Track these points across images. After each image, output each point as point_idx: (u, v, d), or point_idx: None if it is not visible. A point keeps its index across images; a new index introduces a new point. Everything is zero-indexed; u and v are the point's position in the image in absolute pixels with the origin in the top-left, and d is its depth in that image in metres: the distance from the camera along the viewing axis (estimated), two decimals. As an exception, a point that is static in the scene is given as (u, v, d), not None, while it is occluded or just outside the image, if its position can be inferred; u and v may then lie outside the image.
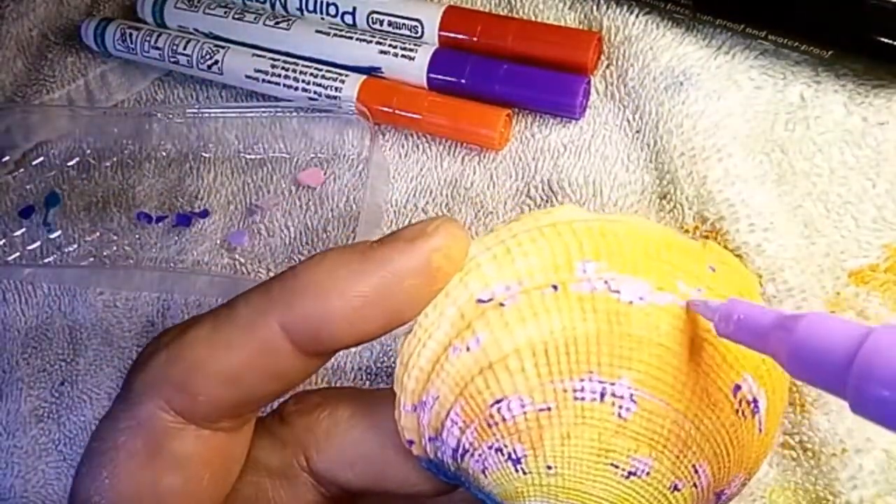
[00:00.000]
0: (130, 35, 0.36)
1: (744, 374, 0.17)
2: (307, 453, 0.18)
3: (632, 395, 0.16)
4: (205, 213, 0.34)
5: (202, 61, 0.34)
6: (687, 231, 0.28)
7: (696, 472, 0.17)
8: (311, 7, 0.34)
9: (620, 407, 0.16)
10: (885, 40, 0.25)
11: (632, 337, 0.16)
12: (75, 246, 0.35)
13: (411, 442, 0.18)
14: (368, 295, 0.15)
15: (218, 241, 0.34)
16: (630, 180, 0.29)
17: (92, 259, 0.35)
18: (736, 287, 0.18)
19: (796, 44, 0.27)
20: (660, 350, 0.17)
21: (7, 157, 0.37)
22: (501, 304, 0.17)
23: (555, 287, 0.17)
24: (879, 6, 0.25)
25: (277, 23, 0.34)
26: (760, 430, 0.18)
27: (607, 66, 0.30)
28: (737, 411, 0.17)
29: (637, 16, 0.30)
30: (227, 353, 0.15)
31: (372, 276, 0.15)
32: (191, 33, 0.36)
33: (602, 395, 0.16)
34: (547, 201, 0.30)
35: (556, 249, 0.17)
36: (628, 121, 0.30)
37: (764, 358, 0.17)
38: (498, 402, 0.17)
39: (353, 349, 0.31)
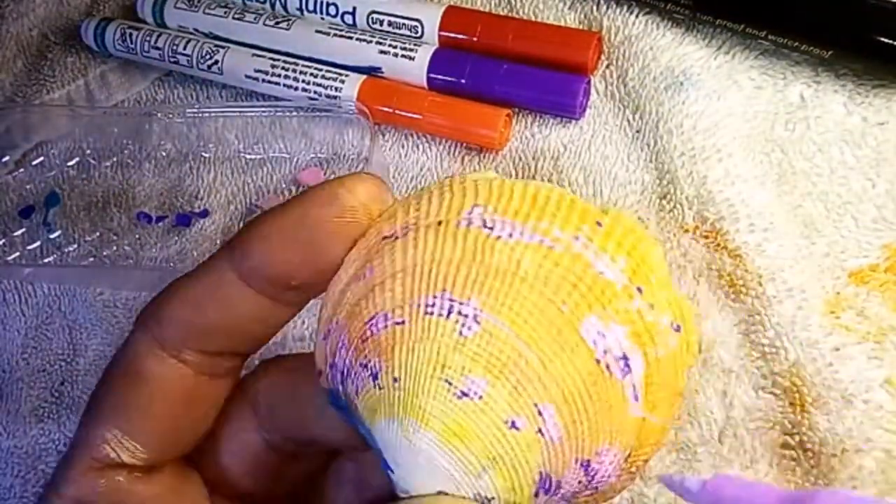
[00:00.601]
0: (130, 35, 0.36)
1: (613, 325, 0.17)
2: (255, 395, 0.20)
3: (475, 315, 0.17)
4: (205, 213, 0.34)
5: (202, 61, 0.34)
6: (687, 231, 0.28)
7: (541, 413, 0.17)
8: (311, 7, 0.34)
9: (463, 325, 0.17)
10: (885, 40, 0.25)
11: (490, 266, 0.17)
12: (75, 246, 0.35)
13: (320, 373, 0.19)
14: (281, 228, 0.18)
15: (218, 241, 0.34)
16: (630, 180, 0.29)
17: (92, 259, 0.35)
18: (621, 245, 0.18)
19: (796, 44, 0.27)
20: (514, 281, 0.17)
21: (7, 157, 0.37)
22: (396, 239, 0.18)
23: (440, 223, 0.18)
24: (879, 6, 0.25)
25: (277, 23, 0.34)
26: (636, 399, 0.18)
27: (607, 66, 0.30)
28: (598, 361, 0.17)
29: (637, 16, 0.30)
30: (189, 281, 0.18)
31: (287, 211, 0.18)
32: (191, 33, 0.36)
33: (449, 312, 0.17)
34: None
35: (456, 197, 0.18)
36: (628, 121, 0.30)
37: (641, 312, 0.17)
38: (371, 318, 0.18)
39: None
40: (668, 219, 0.28)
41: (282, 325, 0.19)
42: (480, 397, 0.17)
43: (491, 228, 0.17)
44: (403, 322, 0.17)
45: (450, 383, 0.17)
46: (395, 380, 0.17)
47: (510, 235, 0.17)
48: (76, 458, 0.18)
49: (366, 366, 0.18)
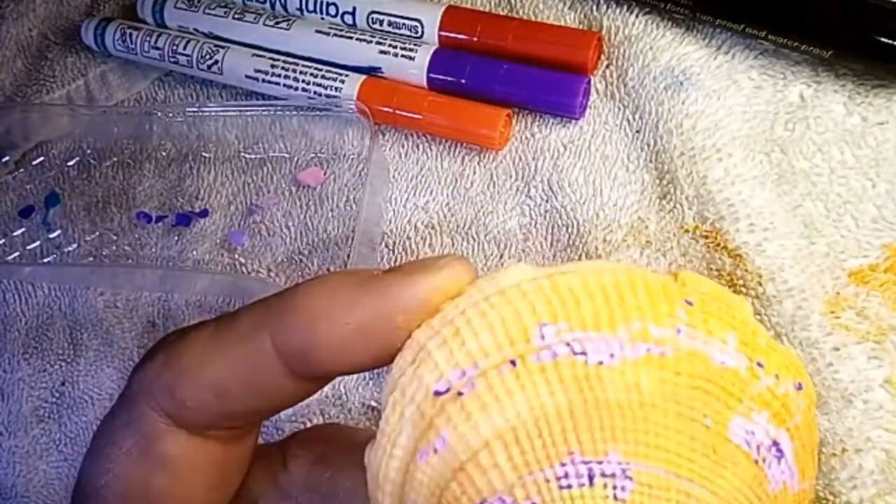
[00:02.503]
0: (130, 35, 0.36)
1: (755, 416, 0.15)
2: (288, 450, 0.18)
3: (624, 470, 0.14)
4: (205, 213, 0.34)
5: (202, 61, 0.34)
6: (687, 231, 0.28)
7: None
8: (310, 7, 0.34)
9: (615, 487, 0.14)
10: (885, 40, 0.25)
11: (610, 403, 0.14)
12: (75, 246, 0.35)
13: None
14: (357, 325, 0.15)
15: (218, 241, 0.34)
16: (630, 180, 0.29)
17: (92, 259, 0.35)
18: (721, 317, 0.15)
19: (796, 44, 0.27)
20: (645, 411, 0.14)
21: (7, 157, 0.37)
22: (460, 394, 0.15)
23: (513, 363, 0.15)
24: (879, 6, 0.25)
25: (277, 23, 0.34)
26: (793, 477, 0.16)
27: (607, 66, 0.30)
28: (756, 461, 0.15)
29: (637, 16, 0.30)
30: (217, 363, 0.15)
31: (364, 305, 0.15)
32: (191, 33, 0.36)
33: (591, 478, 0.14)
34: (546, 201, 0.30)
35: (508, 319, 0.15)
36: (628, 121, 0.30)
37: (772, 388, 0.15)
38: (482, 503, 0.14)
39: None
40: (668, 219, 0.28)
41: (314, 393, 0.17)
42: None
43: (583, 353, 0.14)
44: (534, 503, 0.14)
45: None
46: None
47: (611, 356, 0.14)
48: None
49: None
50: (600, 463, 0.14)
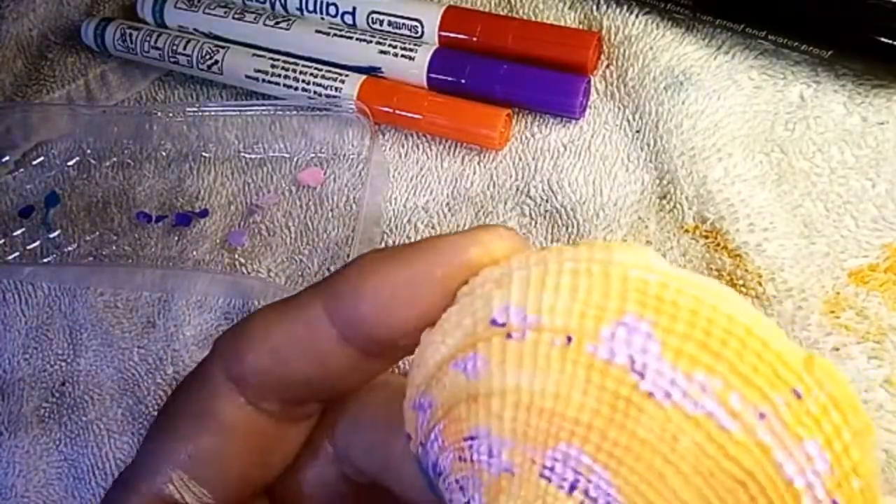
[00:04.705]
0: (130, 35, 0.36)
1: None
2: (335, 421, 0.19)
3: (607, 498, 0.13)
4: (205, 213, 0.34)
5: (202, 61, 0.34)
6: (687, 231, 0.28)
7: None
8: (310, 7, 0.34)
9: None
10: (885, 40, 0.25)
11: (634, 433, 0.13)
12: (75, 246, 0.35)
13: (409, 437, 0.16)
14: (401, 283, 0.15)
15: (218, 241, 0.34)
16: (630, 180, 0.29)
17: (92, 259, 0.35)
18: (820, 424, 0.12)
19: (796, 44, 0.27)
20: (665, 465, 0.12)
21: (7, 157, 0.37)
22: (509, 336, 0.14)
23: (569, 339, 0.13)
24: (879, 6, 0.25)
25: (277, 23, 0.34)
26: None
27: (607, 66, 0.31)
28: None
29: (637, 16, 0.30)
30: (278, 330, 0.16)
31: (406, 265, 0.15)
32: (191, 33, 0.36)
33: (572, 487, 0.13)
34: (546, 201, 0.30)
35: (593, 294, 0.13)
36: (628, 120, 0.30)
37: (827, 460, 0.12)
38: (472, 437, 0.14)
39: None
40: (668, 219, 0.28)
41: (374, 376, 0.17)
42: None
43: (641, 375, 0.13)
44: (512, 472, 0.14)
45: None
46: None
47: (667, 395, 0.12)
48: (138, 486, 0.17)
49: (463, 489, 0.15)
50: (589, 481, 0.13)
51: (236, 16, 0.35)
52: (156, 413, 0.32)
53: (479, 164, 0.32)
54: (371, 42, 0.32)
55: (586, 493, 0.13)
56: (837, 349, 0.25)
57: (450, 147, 0.32)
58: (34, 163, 0.37)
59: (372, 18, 0.33)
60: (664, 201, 0.29)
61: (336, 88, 0.32)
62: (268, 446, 0.17)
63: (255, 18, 0.34)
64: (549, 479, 0.13)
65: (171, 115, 0.34)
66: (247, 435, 0.17)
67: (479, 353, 0.14)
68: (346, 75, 0.32)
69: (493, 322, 0.14)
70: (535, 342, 0.14)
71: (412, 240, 0.31)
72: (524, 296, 0.14)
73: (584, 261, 0.14)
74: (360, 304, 0.15)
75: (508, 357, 0.14)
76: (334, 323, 0.15)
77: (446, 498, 0.15)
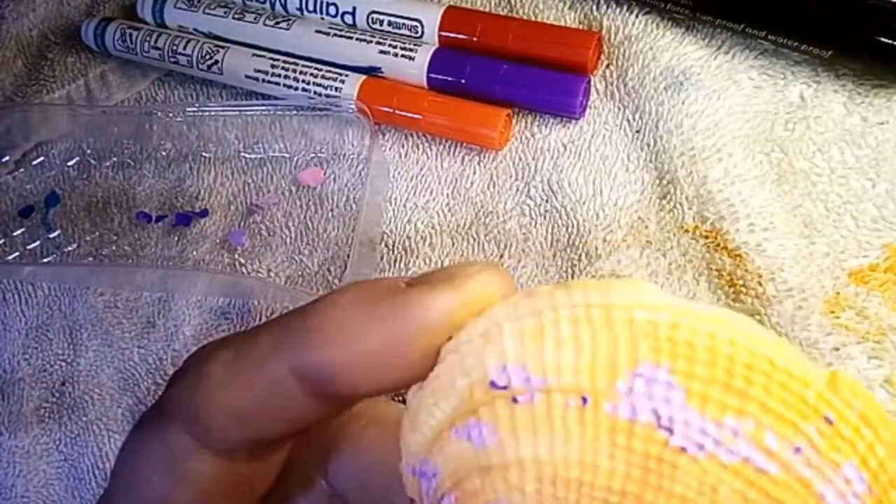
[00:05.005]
0: (130, 35, 0.36)
1: None
2: (328, 457, 0.18)
3: None
4: (205, 213, 0.34)
5: (202, 61, 0.34)
6: (687, 231, 0.28)
7: None
8: (310, 7, 0.34)
9: None
10: (885, 40, 0.25)
11: (673, 496, 0.12)
12: (75, 245, 0.35)
13: (412, 500, 0.15)
14: (375, 348, 0.14)
15: (218, 241, 0.34)
16: (630, 180, 0.29)
17: (91, 259, 0.35)
18: (856, 447, 0.12)
19: (796, 44, 0.27)
20: None
21: (7, 157, 0.37)
22: (515, 400, 0.13)
23: (584, 400, 0.12)
24: (879, 6, 0.25)
25: (277, 23, 0.34)
26: None
27: (607, 66, 0.31)
28: None
29: (637, 16, 0.30)
30: (237, 390, 0.15)
31: (383, 328, 0.14)
32: (191, 33, 0.36)
33: None
34: (546, 201, 0.30)
35: (600, 347, 0.12)
36: (628, 121, 0.30)
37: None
38: None
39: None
40: (668, 219, 0.28)
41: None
42: None
43: (669, 430, 0.12)
44: None
45: None
46: None
47: (700, 448, 0.12)
48: None
49: None
50: None
51: (236, 16, 0.35)
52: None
53: (479, 164, 0.32)
54: (371, 42, 0.32)
55: None
56: (837, 349, 0.25)
57: (450, 147, 0.32)
58: (34, 163, 0.37)
59: (372, 18, 0.33)
60: (664, 201, 0.29)
61: (336, 88, 0.32)
62: (246, 483, 0.16)
63: (255, 18, 0.34)
64: None
65: (171, 115, 0.34)
66: (222, 483, 0.16)
67: (483, 419, 0.13)
68: (346, 75, 0.32)
69: (493, 385, 0.13)
70: (546, 405, 0.12)
71: (411, 240, 0.31)
72: (521, 352, 0.13)
73: (582, 306, 0.13)
74: (332, 366, 0.14)
75: (519, 423, 0.13)
76: (302, 383, 0.14)
77: None
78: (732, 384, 0.12)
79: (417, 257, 0.31)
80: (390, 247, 0.32)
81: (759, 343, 0.12)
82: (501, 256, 0.30)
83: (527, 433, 0.13)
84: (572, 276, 0.29)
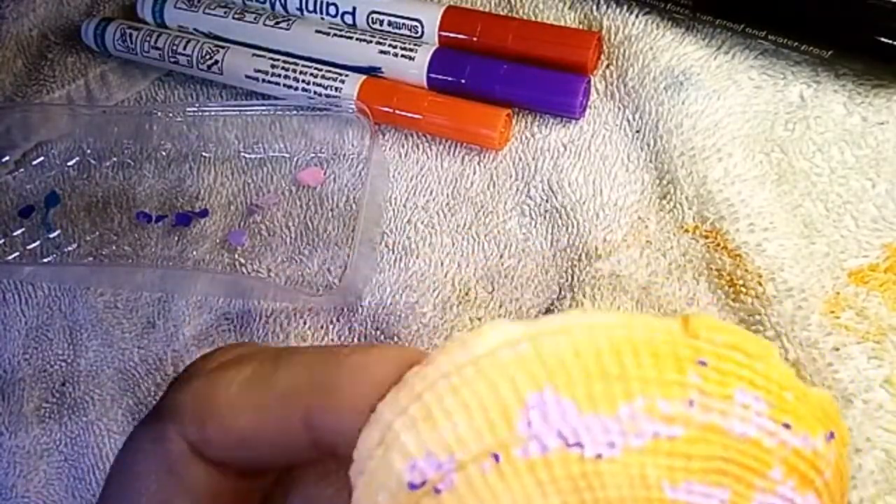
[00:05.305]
0: (130, 35, 0.36)
1: (778, 487, 0.13)
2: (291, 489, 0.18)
3: None
4: (205, 213, 0.34)
5: (202, 61, 0.34)
6: (687, 231, 0.28)
7: None
8: (310, 7, 0.34)
9: None
10: (885, 40, 0.25)
11: (612, 502, 0.12)
12: (75, 246, 0.35)
13: None
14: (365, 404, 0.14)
15: (218, 241, 0.34)
16: (630, 180, 0.29)
17: (92, 259, 0.35)
18: (741, 375, 0.13)
19: (796, 44, 0.27)
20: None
21: (7, 157, 0.37)
22: (437, 490, 0.13)
23: (496, 457, 0.12)
24: (879, 6, 0.25)
25: (277, 23, 0.34)
26: None
27: (607, 66, 0.31)
28: None
29: (637, 16, 0.30)
30: (249, 416, 0.15)
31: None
32: (191, 33, 0.36)
33: None
34: (546, 201, 0.30)
35: (485, 398, 0.13)
36: (628, 121, 0.30)
37: (799, 451, 0.13)
38: None
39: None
40: (668, 219, 0.28)
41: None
42: None
43: (578, 445, 0.12)
44: None
45: None
46: None
47: (611, 445, 0.12)
48: None
49: None
50: None
51: (236, 16, 0.35)
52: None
53: (478, 164, 0.32)
54: (371, 42, 0.32)
55: None
56: (837, 349, 0.25)
57: (450, 147, 0.32)
58: (34, 163, 0.37)
59: (372, 18, 0.33)
60: (664, 201, 0.29)
61: (336, 88, 0.32)
62: (240, 497, 0.17)
63: (255, 18, 0.34)
64: None
65: (171, 115, 0.34)
66: (216, 494, 0.16)
67: None
68: (346, 75, 0.32)
69: (412, 486, 0.13)
70: (466, 481, 0.12)
71: (411, 240, 0.31)
72: (421, 442, 0.13)
73: (454, 373, 0.13)
74: (344, 435, 0.14)
75: None
76: (312, 434, 0.14)
77: None
78: (609, 373, 0.12)
79: (417, 258, 0.31)
80: (390, 247, 0.32)
81: (613, 327, 0.13)
82: (501, 256, 0.30)
83: None
84: (573, 277, 0.29)
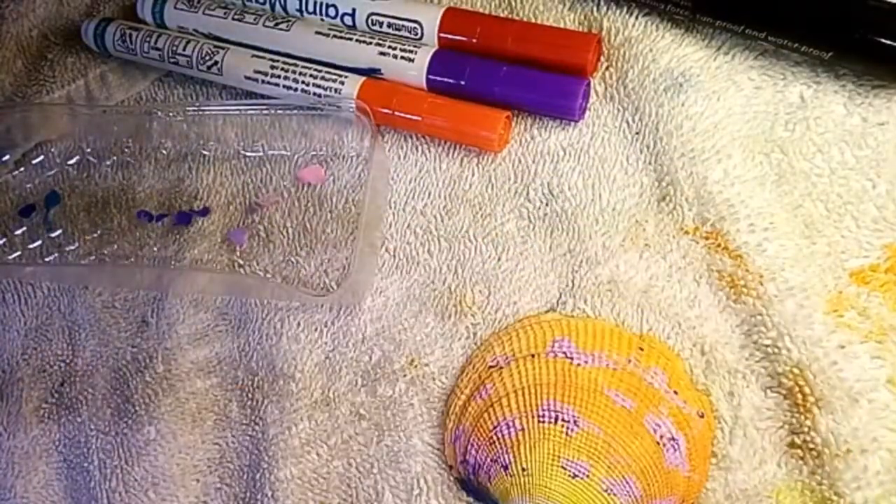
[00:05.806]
0: (130, 35, 0.36)
1: (663, 418, 0.25)
2: None
3: (575, 419, 0.24)
4: (205, 212, 0.34)
5: (202, 62, 0.34)
6: (687, 232, 0.28)
7: (627, 482, 0.24)
8: (310, 8, 0.34)
9: (568, 428, 0.24)
10: (885, 41, 0.25)
11: (577, 385, 0.25)
12: (75, 245, 0.35)
13: (451, 466, 0.27)
14: None
15: (218, 240, 0.34)
16: (629, 182, 0.29)
17: (92, 258, 0.35)
18: (659, 362, 0.26)
19: (796, 44, 0.27)
20: (596, 394, 0.25)
21: (7, 157, 0.37)
22: (501, 368, 0.26)
23: (532, 356, 0.26)
24: (879, 6, 0.25)
25: (277, 24, 0.34)
26: (684, 465, 0.25)
27: (607, 68, 0.30)
28: (657, 443, 0.24)
29: (637, 17, 0.30)
30: None
31: None
32: (190, 34, 0.36)
33: (556, 419, 0.24)
34: (546, 204, 0.30)
35: (537, 334, 0.27)
36: (628, 122, 0.30)
37: (679, 408, 0.25)
38: (496, 426, 0.25)
39: (349, 353, 0.31)
40: (668, 220, 0.28)
41: None
42: (587, 475, 0.24)
43: (571, 358, 0.26)
44: (523, 429, 0.25)
45: (565, 469, 0.24)
46: (523, 469, 0.24)
47: (587, 362, 0.25)
48: None
49: (496, 460, 0.25)
50: (563, 413, 0.24)
51: (236, 17, 0.35)
52: (142, 413, 0.32)
53: (477, 166, 0.32)
54: (371, 43, 0.32)
55: (563, 419, 0.25)
56: (842, 347, 0.25)
57: (449, 149, 0.32)
58: (34, 162, 0.37)
59: (371, 20, 0.33)
60: (664, 203, 0.29)
61: (335, 90, 0.32)
62: None
63: (254, 19, 0.34)
64: (543, 422, 0.25)
65: (171, 114, 0.34)
66: None
67: (487, 384, 0.27)
68: (346, 77, 0.32)
69: (490, 367, 0.27)
70: (516, 365, 0.27)
71: (410, 244, 0.31)
72: (502, 348, 0.28)
73: (528, 323, 0.29)
74: None
75: (504, 376, 0.27)
76: None
77: (486, 480, 0.25)
78: (597, 338, 0.26)
79: (414, 260, 0.31)
80: (390, 251, 0.32)
81: (604, 324, 0.27)
82: (499, 259, 0.30)
83: (509, 378, 0.26)
84: (572, 282, 0.29)
